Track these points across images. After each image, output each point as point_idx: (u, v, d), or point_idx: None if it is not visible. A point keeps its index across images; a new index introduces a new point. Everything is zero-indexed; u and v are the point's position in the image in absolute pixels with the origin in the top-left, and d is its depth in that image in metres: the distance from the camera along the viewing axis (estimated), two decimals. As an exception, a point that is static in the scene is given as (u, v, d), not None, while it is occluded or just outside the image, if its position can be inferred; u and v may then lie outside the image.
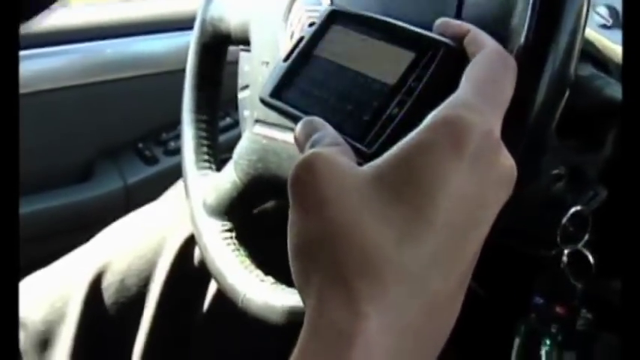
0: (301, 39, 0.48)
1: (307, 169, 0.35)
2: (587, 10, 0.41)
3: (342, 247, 0.33)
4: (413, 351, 0.33)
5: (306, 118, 0.41)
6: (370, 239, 0.33)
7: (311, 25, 0.48)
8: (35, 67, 1.12)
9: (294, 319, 0.60)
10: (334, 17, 0.47)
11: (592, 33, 0.62)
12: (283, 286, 0.64)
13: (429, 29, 0.43)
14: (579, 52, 0.41)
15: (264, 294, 0.64)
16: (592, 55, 0.59)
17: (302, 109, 0.44)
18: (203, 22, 0.76)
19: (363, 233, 0.33)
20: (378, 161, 0.35)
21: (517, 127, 0.41)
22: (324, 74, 0.45)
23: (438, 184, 0.33)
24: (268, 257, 0.62)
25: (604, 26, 0.65)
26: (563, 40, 0.41)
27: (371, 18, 0.45)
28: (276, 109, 0.46)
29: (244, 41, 0.70)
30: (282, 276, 0.63)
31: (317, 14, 0.58)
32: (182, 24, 1.24)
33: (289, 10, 0.62)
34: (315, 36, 0.47)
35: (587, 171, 0.59)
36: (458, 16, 0.48)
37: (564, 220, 0.56)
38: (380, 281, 0.32)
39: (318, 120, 0.40)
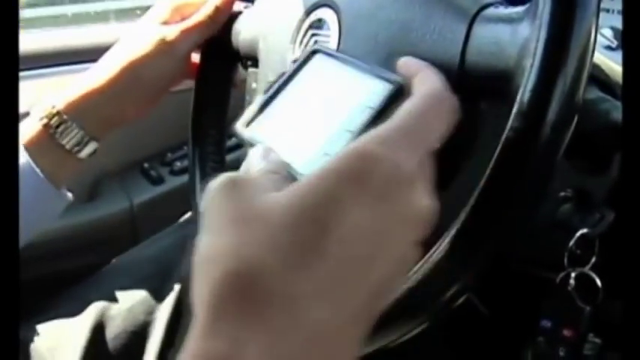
0: (283, 74, 0.49)
1: (214, 192, 0.36)
2: (596, 35, 0.42)
3: (226, 270, 0.32)
4: None
5: (257, 147, 0.42)
6: (255, 264, 0.32)
7: (294, 61, 0.50)
8: (40, 86, 1.13)
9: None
10: (314, 55, 0.49)
11: (598, 55, 0.62)
12: None
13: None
14: (588, 76, 0.42)
15: None
16: (598, 77, 0.60)
17: (268, 140, 0.45)
18: (211, 38, 0.76)
19: (248, 258, 0.32)
20: (289, 189, 0.34)
21: (525, 155, 0.42)
22: (293, 109, 0.47)
23: (335, 214, 0.33)
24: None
25: (609, 48, 0.65)
26: (571, 65, 0.41)
27: (343, 58, 0.46)
28: (246, 140, 0.47)
29: (252, 58, 0.71)
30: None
31: (323, 39, 0.59)
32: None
33: (297, 31, 0.63)
34: (295, 71, 0.48)
35: (593, 193, 0.59)
36: (464, 49, 0.49)
37: (571, 242, 0.56)
38: (261, 307, 0.32)
39: (267, 149, 0.41)
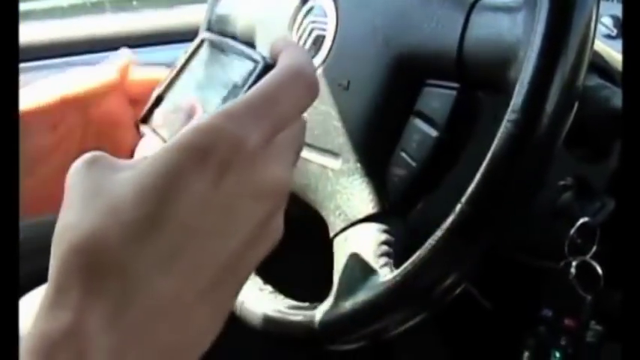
0: (176, 66, 0.50)
1: (74, 169, 0.36)
2: (596, 22, 0.41)
3: (71, 244, 0.33)
4: (137, 358, 0.32)
5: (143, 140, 0.44)
6: (98, 238, 0.33)
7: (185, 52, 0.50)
8: (35, 79, 1.12)
9: (292, 331, 0.59)
10: (201, 45, 0.49)
11: (597, 43, 0.62)
12: (282, 296, 0.63)
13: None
14: (588, 63, 0.41)
15: (262, 303, 0.63)
16: (598, 65, 0.59)
17: (162, 132, 0.46)
18: (209, 22, 0.76)
19: (91, 231, 0.33)
20: (138, 165, 0.35)
21: (524, 144, 0.41)
22: (182, 99, 0.47)
23: (177, 187, 0.33)
24: (267, 264, 0.62)
25: (608, 36, 0.65)
26: (570, 55, 0.41)
27: (226, 44, 0.47)
28: (144, 134, 0.48)
29: (250, 44, 0.70)
30: (282, 284, 0.62)
31: (321, 26, 0.59)
32: (184, 36, 1.23)
33: (295, 18, 0.62)
34: (185, 62, 0.49)
35: (594, 182, 0.58)
36: (462, 38, 0.48)
37: (572, 231, 0.55)
38: (103, 279, 0.32)
39: (152, 141, 0.43)
